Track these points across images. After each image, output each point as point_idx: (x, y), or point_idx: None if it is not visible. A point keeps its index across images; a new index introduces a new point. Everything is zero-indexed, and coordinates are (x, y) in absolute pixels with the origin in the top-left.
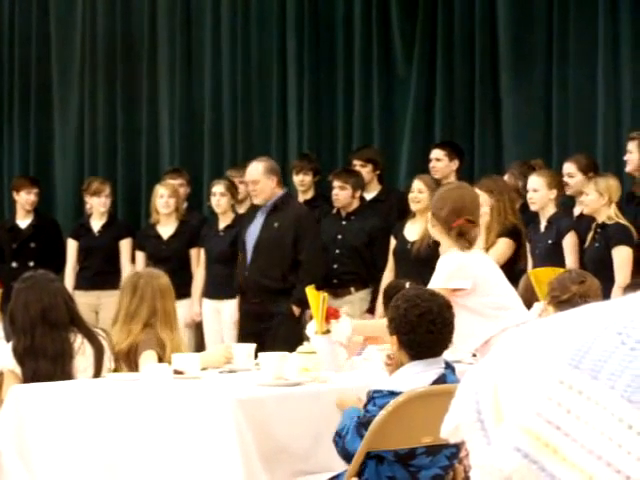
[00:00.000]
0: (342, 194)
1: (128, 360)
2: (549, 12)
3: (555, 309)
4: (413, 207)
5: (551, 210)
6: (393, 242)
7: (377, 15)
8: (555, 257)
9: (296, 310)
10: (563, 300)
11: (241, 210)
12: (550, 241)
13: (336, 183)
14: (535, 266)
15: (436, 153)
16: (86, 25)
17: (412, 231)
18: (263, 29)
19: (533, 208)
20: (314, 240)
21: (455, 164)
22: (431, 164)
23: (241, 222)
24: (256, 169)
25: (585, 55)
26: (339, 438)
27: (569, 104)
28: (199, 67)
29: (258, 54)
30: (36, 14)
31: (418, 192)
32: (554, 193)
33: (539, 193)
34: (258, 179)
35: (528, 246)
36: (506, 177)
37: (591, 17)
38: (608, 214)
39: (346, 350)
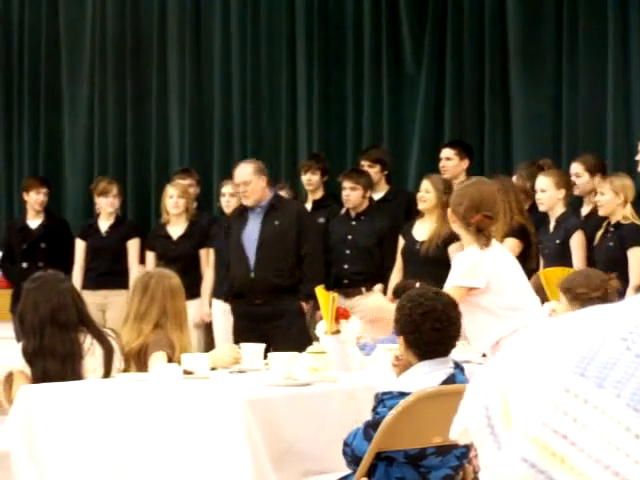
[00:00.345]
0: (354, 195)
1: (138, 360)
2: (559, 11)
3: (582, 305)
4: (420, 206)
5: (560, 210)
6: (401, 242)
7: (386, 14)
8: (564, 257)
9: (305, 306)
10: (595, 297)
11: None
12: (558, 241)
13: (347, 184)
14: (545, 266)
15: (446, 152)
16: (96, 25)
17: (421, 231)
18: (272, 29)
19: (541, 208)
20: (317, 236)
21: (465, 163)
22: (441, 163)
23: (230, 226)
24: (246, 170)
25: (595, 54)
26: (347, 447)
27: (579, 103)
28: (208, 67)
29: (267, 54)
30: (46, 14)
31: (425, 192)
32: (562, 193)
33: (547, 193)
34: (249, 180)
35: (539, 246)
36: (514, 178)
37: (601, 15)
38: (624, 214)
39: (376, 325)
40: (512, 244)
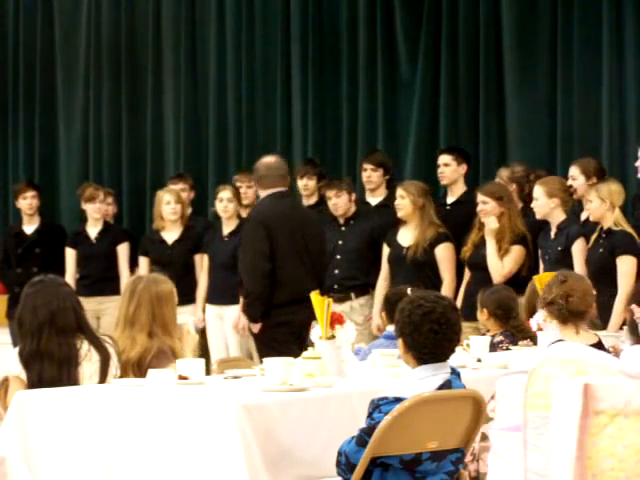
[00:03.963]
0: (340, 201)
1: (139, 370)
2: (553, 16)
3: (546, 311)
4: (399, 214)
5: (560, 217)
6: (386, 249)
7: (381, 19)
8: (565, 263)
9: (252, 326)
10: (549, 302)
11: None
12: (560, 247)
13: (330, 193)
14: (545, 271)
15: (444, 158)
16: (91, 31)
17: (405, 237)
18: (267, 33)
19: (537, 217)
20: (244, 248)
21: (463, 168)
22: (439, 169)
23: None
24: None
25: (589, 59)
26: (340, 456)
27: (573, 108)
28: (204, 72)
29: (262, 58)
30: (41, 20)
31: (400, 198)
32: (555, 202)
33: (539, 202)
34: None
35: (539, 252)
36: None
37: (595, 20)
38: (613, 220)
39: None
40: (520, 251)
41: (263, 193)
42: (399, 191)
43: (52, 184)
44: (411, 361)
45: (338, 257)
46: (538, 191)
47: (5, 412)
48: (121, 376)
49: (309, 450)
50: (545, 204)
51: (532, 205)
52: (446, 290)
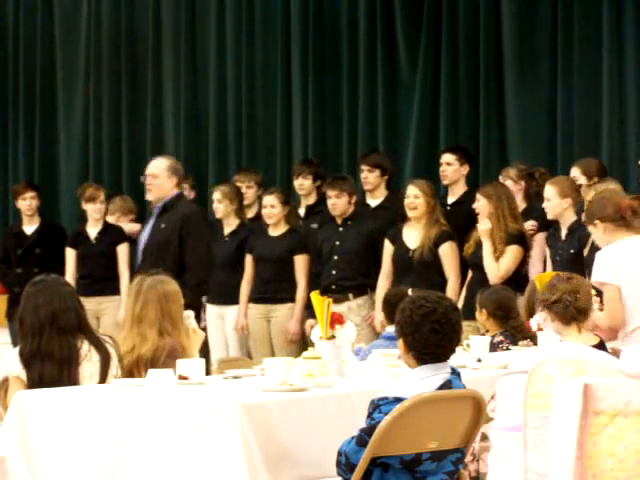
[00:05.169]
0: (340, 202)
1: (153, 367)
2: (553, 15)
3: (548, 312)
4: (410, 213)
5: (571, 218)
6: (390, 248)
7: (381, 21)
8: (577, 266)
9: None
10: (553, 301)
11: (249, 215)
12: (572, 250)
13: (331, 192)
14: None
15: (447, 157)
16: (91, 32)
17: (412, 237)
18: (268, 34)
19: (548, 217)
20: (198, 241)
21: (465, 169)
22: (441, 168)
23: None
24: (159, 164)
25: (590, 58)
26: (340, 456)
27: (574, 108)
28: (204, 73)
29: (262, 60)
30: (41, 20)
31: (414, 197)
32: (568, 202)
33: (551, 202)
34: (158, 174)
35: (548, 252)
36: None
37: (596, 19)
38: None
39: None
40: (516, 252)
41: (176, 191)
42: (413, 190)
43: (52, 184)
44: (411, 361)
45: (335, 258)
46: (550, 191)
47: (5, 412)
48: (131, 373)
49: (309, 450)
50: (558, 204)
51: (544, 205)
52: (451, 289)
